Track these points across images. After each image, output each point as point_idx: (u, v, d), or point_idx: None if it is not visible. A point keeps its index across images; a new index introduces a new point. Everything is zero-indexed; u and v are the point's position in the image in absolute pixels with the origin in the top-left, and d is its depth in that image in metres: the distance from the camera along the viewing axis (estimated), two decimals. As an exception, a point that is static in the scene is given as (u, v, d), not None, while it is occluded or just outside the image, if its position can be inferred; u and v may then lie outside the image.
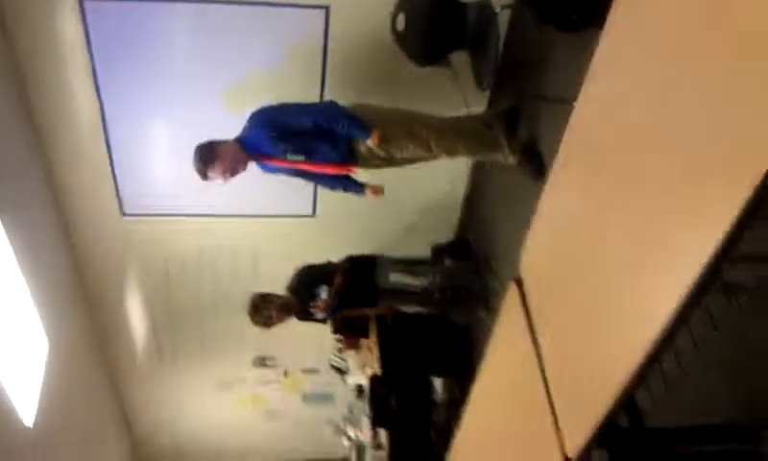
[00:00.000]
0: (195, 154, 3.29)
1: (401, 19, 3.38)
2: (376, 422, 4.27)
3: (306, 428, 6.35)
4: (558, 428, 1.65)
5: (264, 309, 4.00)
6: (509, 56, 3.71)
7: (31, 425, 3.74)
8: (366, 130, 3.29)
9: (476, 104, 3.97)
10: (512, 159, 3.47)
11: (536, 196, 1.92)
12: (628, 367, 1.36)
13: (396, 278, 4.10)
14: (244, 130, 3.36)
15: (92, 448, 5.25)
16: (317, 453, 6.46)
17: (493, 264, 4.13)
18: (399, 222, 4.79)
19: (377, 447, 4.25)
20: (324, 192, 4.48)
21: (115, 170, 4.19)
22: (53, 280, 4.27)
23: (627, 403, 1.52)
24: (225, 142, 3.30)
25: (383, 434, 4.19)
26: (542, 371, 1.77)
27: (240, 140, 3.33)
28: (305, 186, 4.41)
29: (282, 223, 4.72)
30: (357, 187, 3.62)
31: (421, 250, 4.92)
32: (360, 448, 4.65)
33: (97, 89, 3.77)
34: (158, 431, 6.43)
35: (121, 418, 6.11)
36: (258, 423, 6.41)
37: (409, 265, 4.23)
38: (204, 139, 3.33)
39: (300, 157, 3.33)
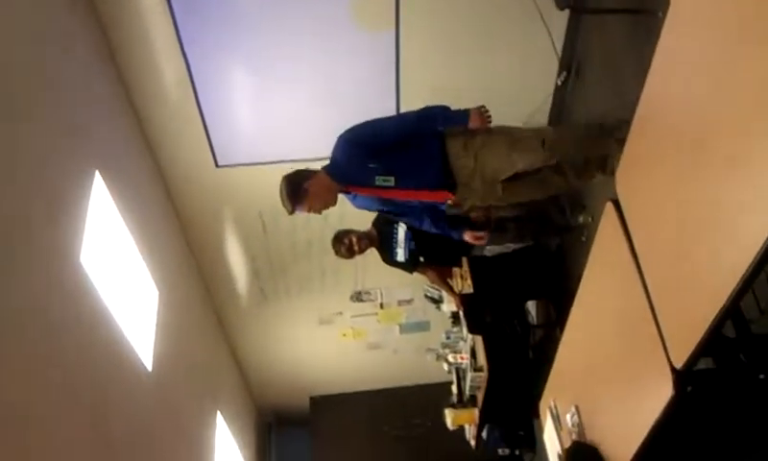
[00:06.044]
0: (282, 187, 2.98)
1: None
2: (472, 328, 4.33)
3: (406, 356, 6.59)
4: (663, 340, 1.68)
5: (345, 237, 4.16)
6: None
7: (150, 369, 3.98)
8: (464, 113, 2.93)
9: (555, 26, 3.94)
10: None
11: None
12: (734, 274, 1.35)
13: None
14: (332, 153, 3.03)
15: (207, 386, 5.61)
16: (419, 379, 6.73)
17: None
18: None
19: (477, 369, 4.38)
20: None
21: (207, 123, 4.34)
22: (157, 233, 4.48)
23: (733, 312, 1.53)
24: (313, 175, 2.99)
25: (481, 355, 4.29)
26: (644, 285, 1.79)
27: (328, 168, 3.01)
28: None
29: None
30: (454, 232, 3.42)
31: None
32: (460, 372, 4.79)
33: (181, 46, 3.89)
34: (268, 367, 6.86)
35: (231, 357, 6.54)
36: (361, 353, 6.72)
37: None
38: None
39: (390, 180, 2.95)
